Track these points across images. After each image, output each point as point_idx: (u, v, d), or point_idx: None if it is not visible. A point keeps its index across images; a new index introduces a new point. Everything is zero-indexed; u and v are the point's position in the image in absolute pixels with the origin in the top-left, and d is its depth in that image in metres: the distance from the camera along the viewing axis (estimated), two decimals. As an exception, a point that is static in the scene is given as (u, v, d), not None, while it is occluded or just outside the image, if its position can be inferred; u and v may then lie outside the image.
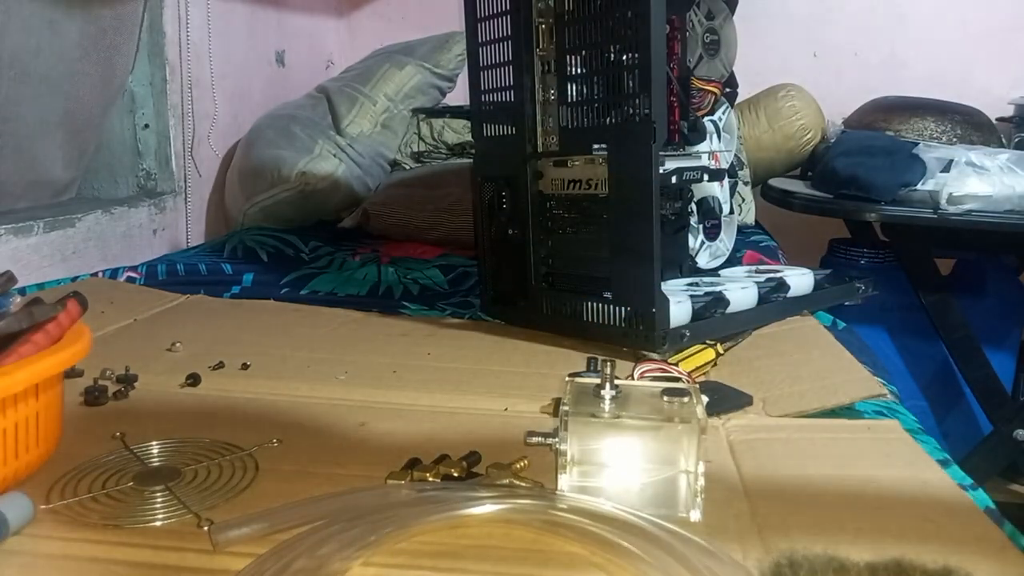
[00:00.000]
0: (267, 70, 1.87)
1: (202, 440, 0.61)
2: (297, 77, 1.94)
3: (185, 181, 1.53)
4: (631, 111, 0.78)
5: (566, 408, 0.51)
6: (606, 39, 0.81)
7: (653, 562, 0.43)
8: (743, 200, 1.66)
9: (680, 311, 0.80)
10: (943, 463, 0.58)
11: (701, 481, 0.49)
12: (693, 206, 1.03)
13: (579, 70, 0.85)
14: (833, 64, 2.08)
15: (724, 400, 0.68)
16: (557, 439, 0.50)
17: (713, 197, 1.02)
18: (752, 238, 1.51)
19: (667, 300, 0.78)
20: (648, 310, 0.78)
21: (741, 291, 0.86)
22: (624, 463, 0.51)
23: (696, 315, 0.82)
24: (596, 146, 0.84)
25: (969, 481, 0.55)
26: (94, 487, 0.53)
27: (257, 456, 0.58)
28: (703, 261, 1.07)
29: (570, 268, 0.90)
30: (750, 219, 1.68)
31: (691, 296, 0.84)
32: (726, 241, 1.10)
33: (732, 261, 1.31)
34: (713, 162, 1.00)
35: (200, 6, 1.55)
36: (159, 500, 0.51)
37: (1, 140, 1.16)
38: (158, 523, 0.49)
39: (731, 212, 1.09)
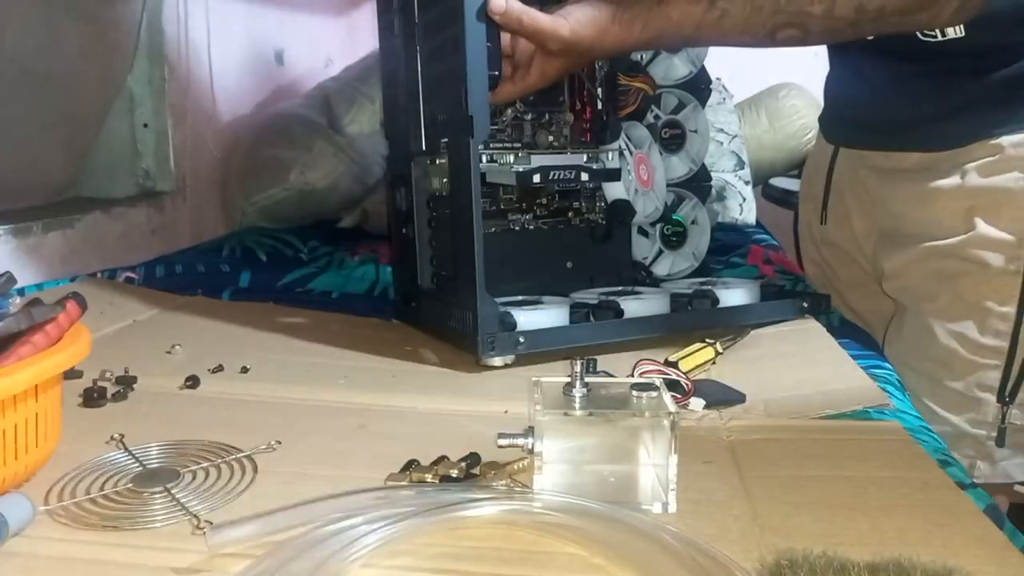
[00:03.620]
0: (266, 69, 1.87)
1: (201, 442, 0.61)
2: (296, 76, 1.93)
3: (184, 181, 1.52)
4: (457, 106, 0.78)
5: (537, 408, 0.51)
6: (437, 34, 0.81)
7: (652, 562, 0.42)
8: (744, 199, 1.66)
9: (543, 317, 0.80)
10: (943, 463, 0.58)
11: (673, 472, 0.50)
12: (655, 213, 1.00)
13: (431, 67, 0.85)
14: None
15: (714, 394, 0.69)
16: (528, 440, 0.51)
17: (624, 200, 0.97)
18: (754, 237, 1.51)
19: (492, 302, 0.77)
20: (473, 312, 0.76)
21: (642, 301, 0.86)
22: (597, 459, 0.52)
23: (572, 321, 0.82)
24: (443, 142, 0.84)
25: (969, 481, 0.55)
26: (93, 489, 0.53)
27: (256, 458, 0.58)
28: (662, 270, 1.05)
29: (444, 271, 0.88)
30: (751, 218, 1.68)
31: (581, 303, 0.84)
32: (693, 250, 1.07)
33: (735, 259, 1.30)
34: (612, 161, 0.96)
35: (199, 5, 1.55)
36: (158, 502, 0.51)
37: None
38: (157, 525, 0.49)
39: (694, 222, 1.06)
